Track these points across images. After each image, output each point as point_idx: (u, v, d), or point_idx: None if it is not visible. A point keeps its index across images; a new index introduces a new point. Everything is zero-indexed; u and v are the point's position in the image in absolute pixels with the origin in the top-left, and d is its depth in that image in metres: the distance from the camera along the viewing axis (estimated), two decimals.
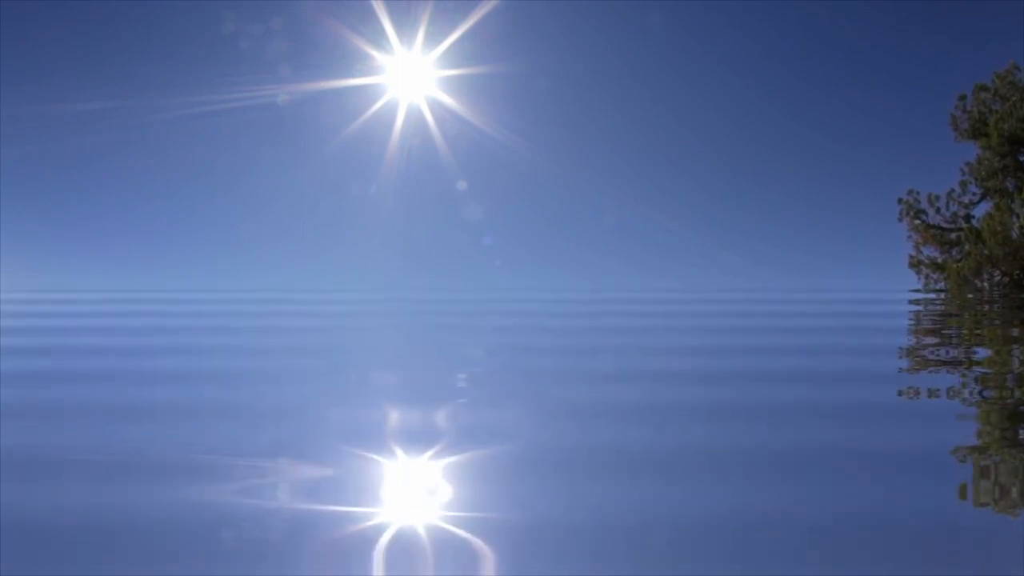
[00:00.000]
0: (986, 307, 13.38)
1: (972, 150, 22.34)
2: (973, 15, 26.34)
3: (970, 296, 17.24)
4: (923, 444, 3.23)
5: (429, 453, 3.10)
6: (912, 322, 10.85)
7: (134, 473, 2.81)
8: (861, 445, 3.21)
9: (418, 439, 3.38)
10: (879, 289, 22.50)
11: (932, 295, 17.87)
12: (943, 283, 22.06)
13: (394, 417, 3.91)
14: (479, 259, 25.42)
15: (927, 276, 22.27)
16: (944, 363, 5.79)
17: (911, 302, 15.11)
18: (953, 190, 22.22)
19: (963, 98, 22.17)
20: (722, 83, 29.25)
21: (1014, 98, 21.51)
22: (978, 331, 8.89)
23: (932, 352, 6.60)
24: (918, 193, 22.20)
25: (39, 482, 2.68)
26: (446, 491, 2.73)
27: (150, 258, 27.28)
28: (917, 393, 4.49)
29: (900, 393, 4.51)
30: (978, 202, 22.15)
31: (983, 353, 6.62)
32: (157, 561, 2.04)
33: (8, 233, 23.19)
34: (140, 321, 10.91)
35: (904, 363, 5.97)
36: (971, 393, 4.46)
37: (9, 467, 2.82)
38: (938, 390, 4.48)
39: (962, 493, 2.57)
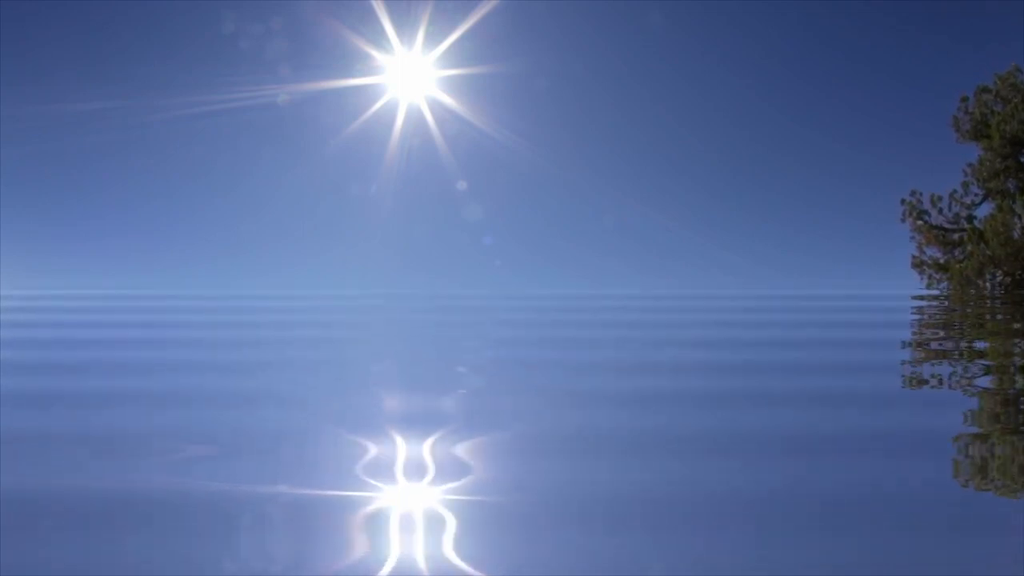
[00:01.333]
0: (987, 316, 13.32)
1: (974, 151, 22.40)
2: (974, 15, 26.28)
3: (971, 303, 17.18)
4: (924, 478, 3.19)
5: (426, 480, 3.07)
6: (914, 331, 10.81)
7: (130, 500, 2.78)
8: (859, 476, 3.17)
9: (414, 465, 3.35)
10: (881, 292, 22.46)
11: (934, 302, 17.83)
12: (946, 283, 22.11)
13: (389, 440, 3.87)
14: (479, 259, 25.40)
15: (930, 276, 22.34)
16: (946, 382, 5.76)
17: (914, 310, 15.05)
18: (955, 191, 22.32)
19: (965, 100, 22.25)
20: (722, 83, 29.23)
21: (1015, 100, 21.53)
22: (979, 341, 8.85)
23: (932, 371, 6.57)
24: (921, 194, 22.28)
25: (31, 515, 2.64)
26: (445, 520, 2.69)
27: (150, 258, 27.27)
28: (921, 415, 4.46)
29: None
30: (980, 203, 22.25)
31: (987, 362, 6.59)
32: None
33: (8, 233, 23.18)
34: (140, 330, 10.87)
35: (906, 377, 5.94)
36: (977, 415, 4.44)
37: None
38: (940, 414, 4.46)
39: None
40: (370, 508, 2.80)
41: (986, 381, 5.70)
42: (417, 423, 4.30)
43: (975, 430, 4.12)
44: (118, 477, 3.10)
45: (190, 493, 2.90)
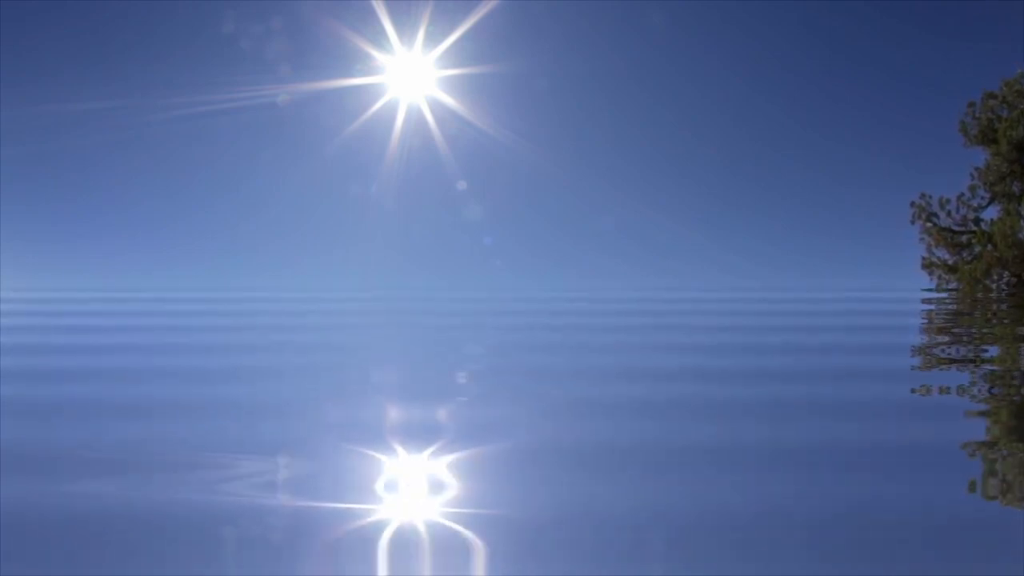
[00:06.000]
0: (994, 306, 13.28)
1: (981, 154, 22.54)
2: (980, 17, 26.28)
3: (979, 296, 17.20)
4: (932, 440, 3.15)
5: (429, 450, 2.99)
6: (925, 321, 10.73)
7: (132, 471, 2.73)
8: (871, 441, 3.12)
9: (417, 436, 3.29)
10: (887, 290, 22.50)
11: (944, 294, 17.91)
12: (954, 283, 22.28)
13: (393, 414, 3.80)
14: (479, 259, 25.36)
15: (939, 277, 22.57)
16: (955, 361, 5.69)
17: (924, 300, 15.00)
18: (963, 194, 22.51)
19: (972, 105, 22.46)
20: (723, 83, 29.21)
21: (1022, 106, 21.68)
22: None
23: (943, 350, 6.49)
24: (930, 197, 22.48)
25: (39, 480, 2.61)
26: (446, 488, 2.65)
27: (150, 257, 27.25)
28: (928, 391, 4.38)
29: (913, 391, 4.40)
30: (986, 206, 22.44)
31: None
32: (157, 560, 1.98)
33: (8, 233, 23.14)
34: (138, 320, 10.86)
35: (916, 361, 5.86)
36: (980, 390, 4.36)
37: (9, 465, 2.74)
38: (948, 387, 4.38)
39: (971, 487, 2.50)
40: (372, 477, 2.76)
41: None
42: (423, 402, 4.24)
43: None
44: (119, 449, 3.06)
45: (191, 463, 2.85)
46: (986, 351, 6.47)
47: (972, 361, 5.69)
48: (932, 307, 13.41)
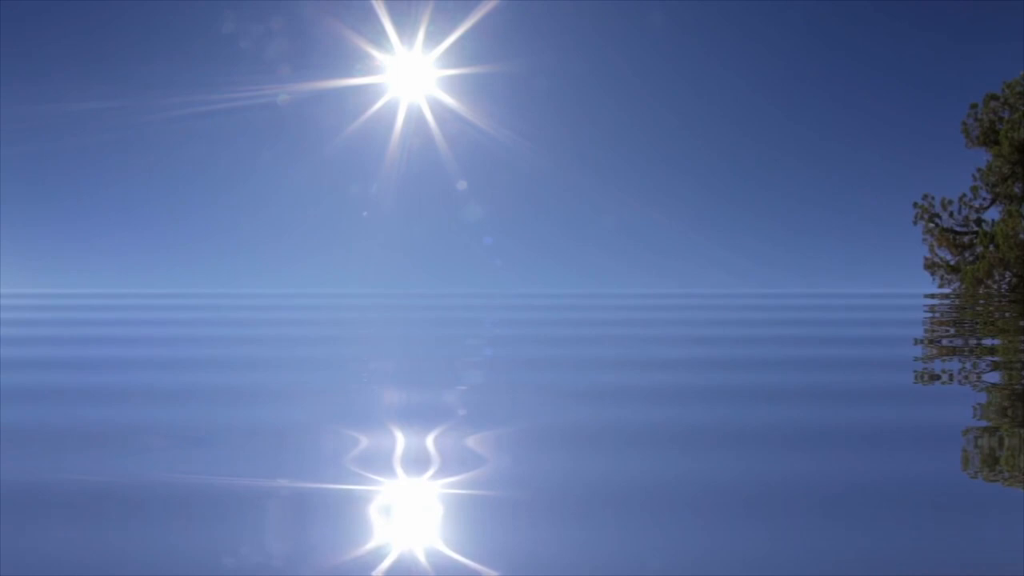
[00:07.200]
0: (996, 312, 13.24)
1: (982, 155, 22.60)
2: (980, 19, 26.21)
3: (981, 302, 17.20)
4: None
5: (427, 474, 2.96)
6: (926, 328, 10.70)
7: (131, 495, 2.73)
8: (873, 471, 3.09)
9: (417, 458, 3.26)
10: (889, 292, 22.49)
11: (946, 300, 17.91)
12: (956, 284, 22.38)
13: (391, 433, 3.76)
14: (479, 259, 25.33)
15: (942, 277, 22.68)
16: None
17: (927, 307, 14.98)
18: (965, 195, 22.60)
19: (974, 107, 22.59)
20: (723, 83, 29.15)
21: (1023, 108, 21.75)
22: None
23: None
24: (933, 197, 22.62)
25: (33, 510, 2.58)
26: (445, 514, 2.63)
27: (150, 258, 27.21)
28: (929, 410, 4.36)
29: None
30: (988, 207, 22.54)
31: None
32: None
33: (8, 233, 23.11)
34: (138, 327, 10.85)
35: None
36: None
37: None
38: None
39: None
40: (371, 501, 2.73)
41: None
42: (420, 416, 4.21)
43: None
44: (116, 470, 3.04)
45: (188, 486, 2.83)
46: (993, 365, 6.43)
47: (976, 377, 5.67)
48: (935, 314, 13.38)
